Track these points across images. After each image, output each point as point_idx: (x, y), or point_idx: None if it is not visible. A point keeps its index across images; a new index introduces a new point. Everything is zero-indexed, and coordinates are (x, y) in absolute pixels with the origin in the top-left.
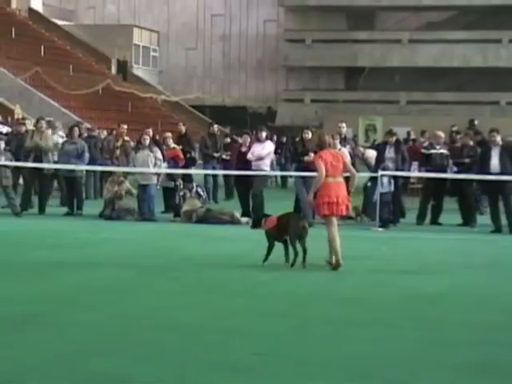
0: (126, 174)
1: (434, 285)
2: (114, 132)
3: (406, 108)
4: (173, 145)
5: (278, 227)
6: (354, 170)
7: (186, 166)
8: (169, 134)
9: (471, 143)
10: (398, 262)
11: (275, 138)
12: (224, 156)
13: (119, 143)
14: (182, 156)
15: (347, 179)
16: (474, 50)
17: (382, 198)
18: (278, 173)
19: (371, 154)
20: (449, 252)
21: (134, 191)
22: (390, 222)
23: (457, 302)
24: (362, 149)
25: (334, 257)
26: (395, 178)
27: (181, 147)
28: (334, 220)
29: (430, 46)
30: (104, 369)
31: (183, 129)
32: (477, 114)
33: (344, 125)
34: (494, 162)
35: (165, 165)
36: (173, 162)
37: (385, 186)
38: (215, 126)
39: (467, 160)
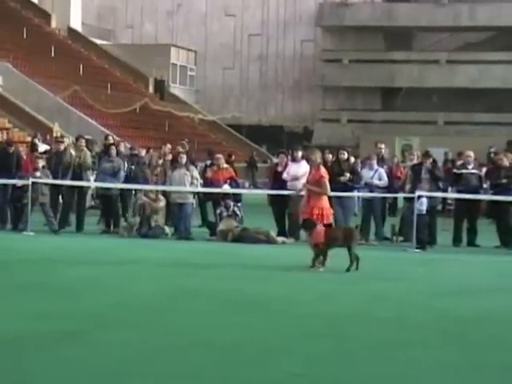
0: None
1: (471, 307)
2: (153, 151)
3: (443, 129)
4: (225, 165)
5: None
6: None
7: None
8: (220, 155)
9: (508, 164)
10: (435, 283)
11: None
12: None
13: (161, 161)
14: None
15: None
16: None
17: (419, 219)
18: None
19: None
20: (486, 274)
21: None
22: (427, 244)
23: (495, 325)
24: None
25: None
26: (430, 199)
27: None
28: None
29: (467, 66)
30: None
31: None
32: None
33: (383, 146)
34: None
35: (227, 187)
36: (234, 183)
37: (423, 206)
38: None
39: (504, 181)
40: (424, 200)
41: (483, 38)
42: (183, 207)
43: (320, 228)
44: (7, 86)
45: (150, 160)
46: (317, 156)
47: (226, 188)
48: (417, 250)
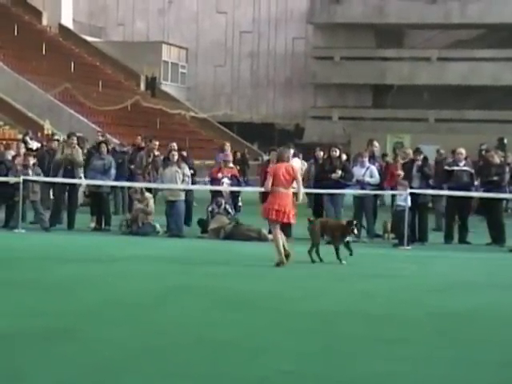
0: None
1: (461, 304)
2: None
3: (434, 126)
4: (231, 165)
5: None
6: (301, 185)
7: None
8: (230, 156)
9: (498, 161)
10: (426, 280)
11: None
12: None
13: (150, 159)
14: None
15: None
16: (504, 68)
17: (400, 214)
18: (305, 190)
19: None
20: (477, 271)
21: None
22: (414, 240)
23: (485, 321)
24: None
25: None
26: (420, 196)
27: None
28: (278, 225)
29: (458, 63)
30: None
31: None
32: (506, 133)
33: (377, 144)
34: None
35: (227, 181)
36: (236, 179)
37: (406, 203)
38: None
39: (495, 178)
40: (408, 197)
41: (474, 36)
42: (175, 205)
43: None
44: None
45: (142, 159)
46: (282, 153)
47: (226, 181)
48: (408, 247)
